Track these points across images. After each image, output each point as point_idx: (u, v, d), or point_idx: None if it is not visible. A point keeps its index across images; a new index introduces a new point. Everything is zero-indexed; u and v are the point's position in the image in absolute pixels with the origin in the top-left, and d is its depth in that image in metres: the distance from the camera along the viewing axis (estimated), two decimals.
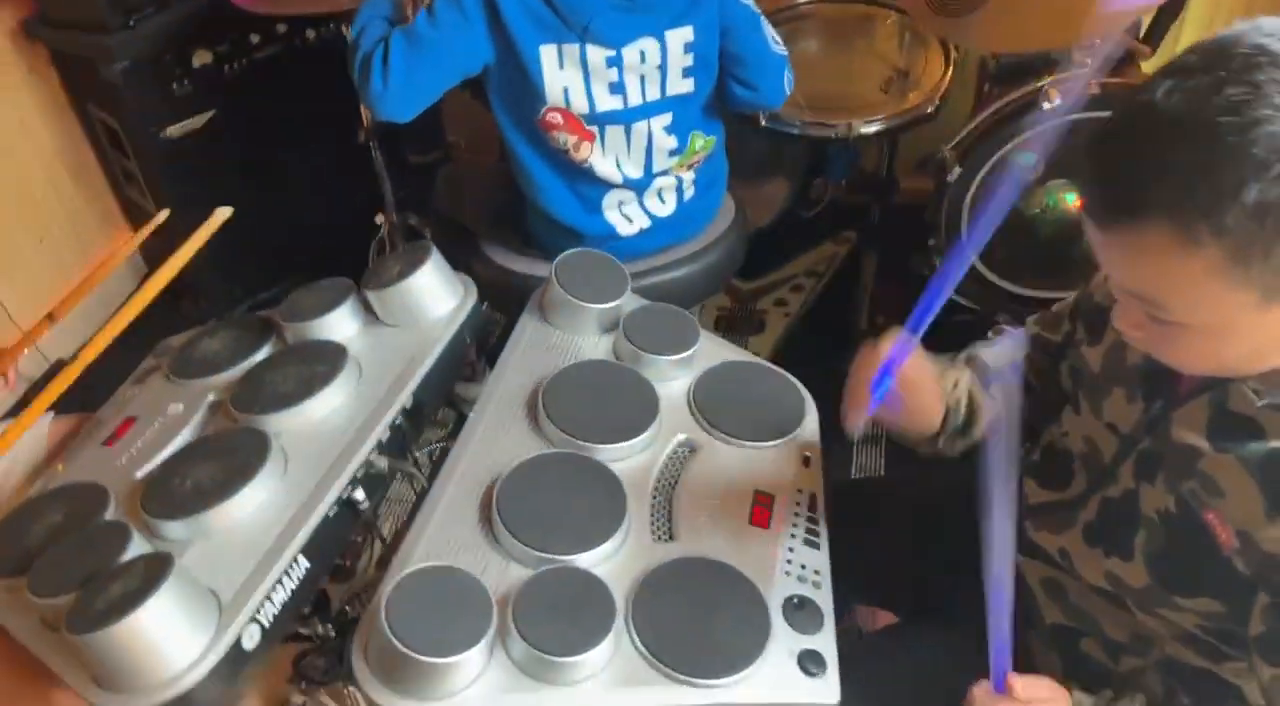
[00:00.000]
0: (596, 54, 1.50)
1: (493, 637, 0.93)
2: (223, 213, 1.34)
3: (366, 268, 1.36)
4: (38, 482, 1.21)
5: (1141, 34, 1.98)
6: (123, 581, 0.89)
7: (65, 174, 2.51)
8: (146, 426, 1.22)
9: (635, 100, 1.57)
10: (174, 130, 2.32)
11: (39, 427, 1.32)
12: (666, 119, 1.62)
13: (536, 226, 1.74)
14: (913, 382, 1.07)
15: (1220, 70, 0.69)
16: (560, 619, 0.95)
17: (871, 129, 1.98)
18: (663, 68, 1.55)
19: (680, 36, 1.53)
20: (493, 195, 1.86)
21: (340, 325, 1.30)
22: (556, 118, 1.55)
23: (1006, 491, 0.83)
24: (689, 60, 1.57)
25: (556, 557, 1.02)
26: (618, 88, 1.54)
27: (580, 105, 1.54)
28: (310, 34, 2.45)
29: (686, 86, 1.60)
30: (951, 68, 2.06)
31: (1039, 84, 1.87)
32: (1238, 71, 0.68)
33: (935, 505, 1.22)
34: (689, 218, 1.77)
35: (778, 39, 1.69)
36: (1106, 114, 0.78)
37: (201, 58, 2.32)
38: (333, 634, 1.33)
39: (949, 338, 1.19)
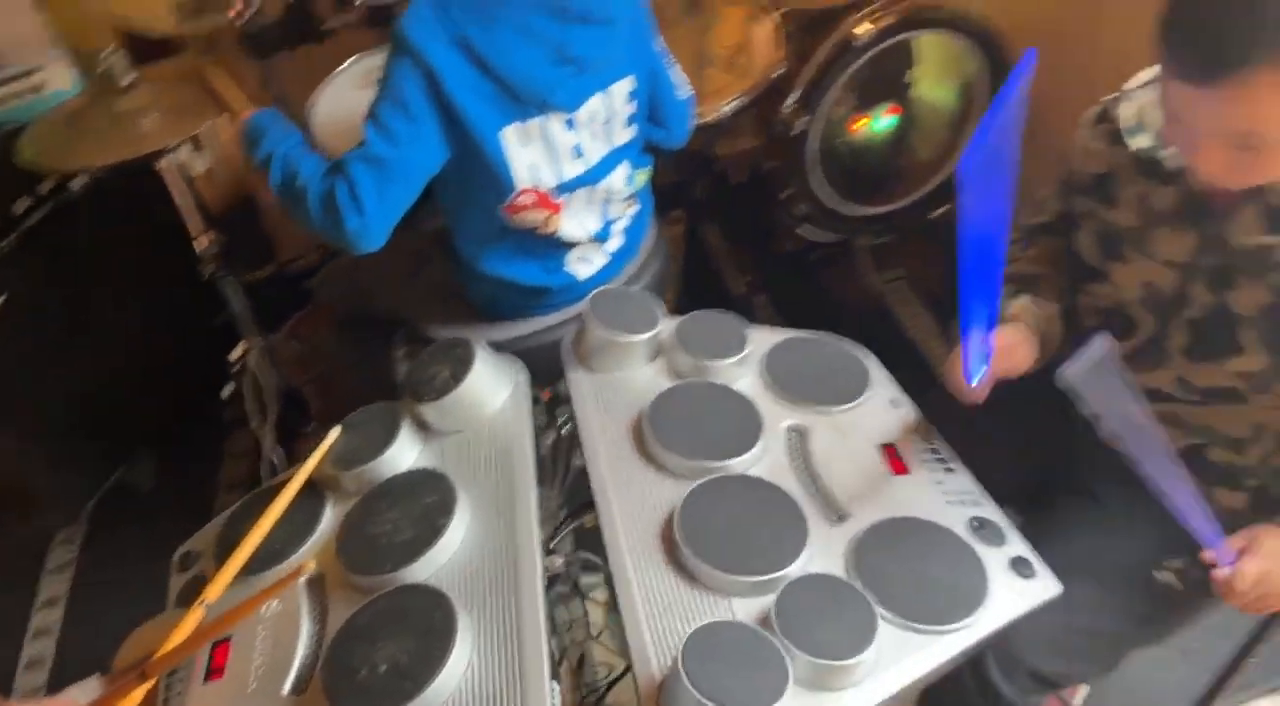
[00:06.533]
0: (556, 122, 1.46)
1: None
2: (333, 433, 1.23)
3: (242, 406, 1.19)
4: None
5: None
6: None
7: None
8: (253, 639, 1.08)
9: (594, 158, 1.54)
10: None
11: None
12: (625, 169, 1.61)
13: (487, 293, 1.67)
14: (1005, 353, 1.16)
15: None
16: (827, 626, 0.95)
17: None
18: (609, 121, 1.53)
19: (623, 87, 1.52)
20: (418, 274, 1.78)
21: (402, 455, 1.20)
22: (527, 199, 1.49)
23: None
24: (632, 107, 1.56)
25: (770, 576, 1.02)
26: (578, 151, 1.51)
27: (549, 179, 1.50)
28: (74, 185, 2.15)
29: (630, 133, 1.59)
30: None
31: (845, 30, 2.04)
32: None
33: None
34: (632, 244, 1.77)
35: (683, 80, 1.71)
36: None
37: None
38: None
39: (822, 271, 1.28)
